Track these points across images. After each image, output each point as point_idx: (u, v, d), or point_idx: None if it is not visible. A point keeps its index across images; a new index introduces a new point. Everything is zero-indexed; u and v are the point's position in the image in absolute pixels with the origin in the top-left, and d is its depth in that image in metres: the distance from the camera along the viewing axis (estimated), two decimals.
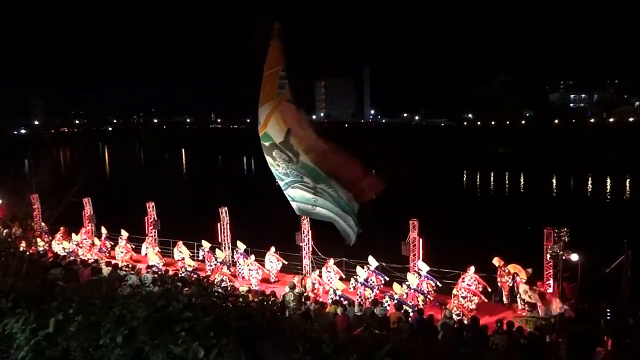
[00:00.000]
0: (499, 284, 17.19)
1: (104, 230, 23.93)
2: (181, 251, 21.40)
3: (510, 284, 16.94)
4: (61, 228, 24.18)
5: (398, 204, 39.95)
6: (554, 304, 14.51)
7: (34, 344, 3.80)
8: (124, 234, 23.10)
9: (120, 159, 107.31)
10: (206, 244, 21.02)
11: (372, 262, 17.75)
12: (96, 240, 24.01)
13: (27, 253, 6.11)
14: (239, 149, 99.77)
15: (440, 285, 17.14)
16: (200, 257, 21.32)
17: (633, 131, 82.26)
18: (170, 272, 18.50)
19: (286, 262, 20.25)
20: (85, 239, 24.13)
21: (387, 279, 17.76)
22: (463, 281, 16.53)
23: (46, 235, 23.32)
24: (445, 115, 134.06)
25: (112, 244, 23.74)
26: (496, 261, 17.27)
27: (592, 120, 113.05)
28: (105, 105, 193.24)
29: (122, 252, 22.71)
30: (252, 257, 19.82)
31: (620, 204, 47.27)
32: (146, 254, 22.52)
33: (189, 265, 20.34)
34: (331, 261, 18.39)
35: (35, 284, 4.81)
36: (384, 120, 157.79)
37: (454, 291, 16.40)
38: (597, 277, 15.61)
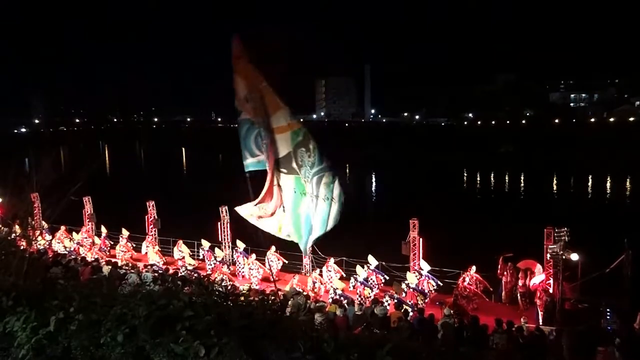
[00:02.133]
0: (503, 283, 17.21)
1: (104, 230, 23.94)
2: (181, 250, 21.41)
3: (513, 281, 16.98)
4: (62, 227, 24.20)
5: (398, 203, 40.00)
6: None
7: (35, 342, 3.81)
8: (125, 232, 23.11)
9: (121, 157, 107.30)
10: (206, 243, 21.04)
11: (372, 261, 17.78)
12: (96, 239, 24.03)
13: (28, 252, 6.10)
14: (239, 148, 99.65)
15: (441, 284, 17.17)
16: (201, 256, 21.36)
17: (633, 131, 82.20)
18: (170, 271, 18.54)
19: (287, 262, 20.28)
20: (86, 237, 24.15)
21: (387, 278, 17.79)
22: (464, 281, 16.57)
23: (47, 234, 23.36)
24: (446, 114, 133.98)
25: (112, 243, 23.77)
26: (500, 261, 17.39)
27: (592, 119, 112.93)
28: (106, 104, 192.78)
29: (122, 251, 22.72)
30: (254, 256, 19.83)
31: (620, 204, 47.25)
32: (146, 253, 22.55)
33: (189, 264, 20.37)
34: (331, 260, 18.41)
35: (36, 283, 4.82)
36: (384, 120, 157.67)
37: (455, 290, 16.43)
38: (597, 277, 15.60)
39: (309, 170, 7.87)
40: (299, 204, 8.15)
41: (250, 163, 8.90)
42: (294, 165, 8.13)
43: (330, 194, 7.65)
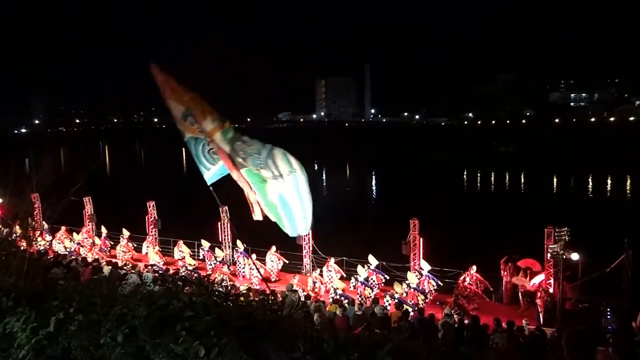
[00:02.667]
0: (503, 282, 17.20)
1: (104, 230, 23.94)
2: (182, 250, 21.40)
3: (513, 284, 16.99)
4: (62, 227, 24.20)
5: (398, 203, 40.02)
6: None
7: (35, 343, 3.81)
8: (125, 233, 23.11)
9: (121, 158, 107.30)
10: (206, 243, 21.04)
11: (373, 261, 17.77)
12: (97, 240, 24.02)
13: (28, 252, 6.09)
14: None
15: (441, 284, 17.17)
16: (201, 257, 21.36)
17: (634, 130, 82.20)
18: (171, 271, 18.54)
19: (287, 261, 20.29)
20: (86, 238, 24.16)
21: (388, 277, 17.79)
22: (464, 281, 16.55)
23: (47, 235, 23.36)
24: (446, 114, 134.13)
25: (112, 243, 23.77)
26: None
27: (592, 119, 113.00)
28: (106, 104, 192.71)
29: (123, 252, 22.72)
30: (254, 256, 19.81)
31: (620, 203, 47.22)
32: (146, 253, 22.55)
33: (190, 265, 20.36)
34: (332, 260, 18.41)
35: (36, 283, 4.81)
36: (384, 120, 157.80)
37: (455, 290, 16.41)
38: (598, 277, 15.59)
39: (259, 157, 7.80)
40: (265, 191, 8.06)
41: (210, 177, 8.91)
42: (239, 159, 8.10)
43: (289, 166, 7.53)
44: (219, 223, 21.99)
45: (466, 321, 13.53)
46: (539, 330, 12.55)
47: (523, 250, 17.72)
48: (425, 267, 17.25)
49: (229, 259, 21.63)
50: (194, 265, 20.59)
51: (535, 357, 11.11)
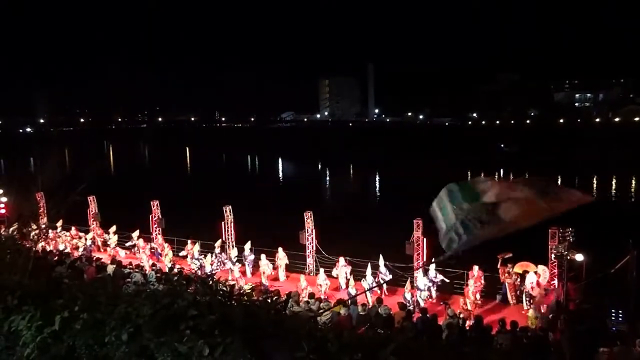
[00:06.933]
0: (506, 284, 17.15)
1: (112, 229, 23.98)
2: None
3: (517, 282, 16.94)
4: (72, 227, 24.34)
5: (402, 203, 39.93)
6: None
7: (40, 341, 3.82)
8: (135, 234, 23.16)
9: (125, 157, 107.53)
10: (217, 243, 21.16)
11: (380, 261, 17.76)
12: (105, 238, 24.08)
13: (33, 251, 6.12)
14: (242, 147, 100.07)
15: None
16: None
17: (639, 131, 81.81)
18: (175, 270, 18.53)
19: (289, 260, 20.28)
20: (95, 236, 24.26)
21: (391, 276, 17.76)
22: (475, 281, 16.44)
23: (52, 234, 23.42)
24: (450, 114, 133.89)
25: (117, 241, 23.82)
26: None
27: (597, 119, 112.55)
28: (110, 104, 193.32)
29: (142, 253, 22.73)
30: (263, 256, 19.75)
31: (625, 204, 47.01)
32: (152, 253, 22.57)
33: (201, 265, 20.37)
34: (341, 260, 18.41)
35: (41, 282, 4.83)
36: (388, 120, 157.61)
37: (468, 292, 16.25)
38: (602, 277, 15.53)
39: None
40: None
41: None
42: None
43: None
44: (222, 222, 22.02)
45: (469, 322, 13.50)
46: (543, 331, 12.52)
47: (527, 251, 17.66)
48: (432, 267, 17.27)
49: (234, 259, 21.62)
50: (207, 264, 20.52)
51: (538, 357, 11.08)
